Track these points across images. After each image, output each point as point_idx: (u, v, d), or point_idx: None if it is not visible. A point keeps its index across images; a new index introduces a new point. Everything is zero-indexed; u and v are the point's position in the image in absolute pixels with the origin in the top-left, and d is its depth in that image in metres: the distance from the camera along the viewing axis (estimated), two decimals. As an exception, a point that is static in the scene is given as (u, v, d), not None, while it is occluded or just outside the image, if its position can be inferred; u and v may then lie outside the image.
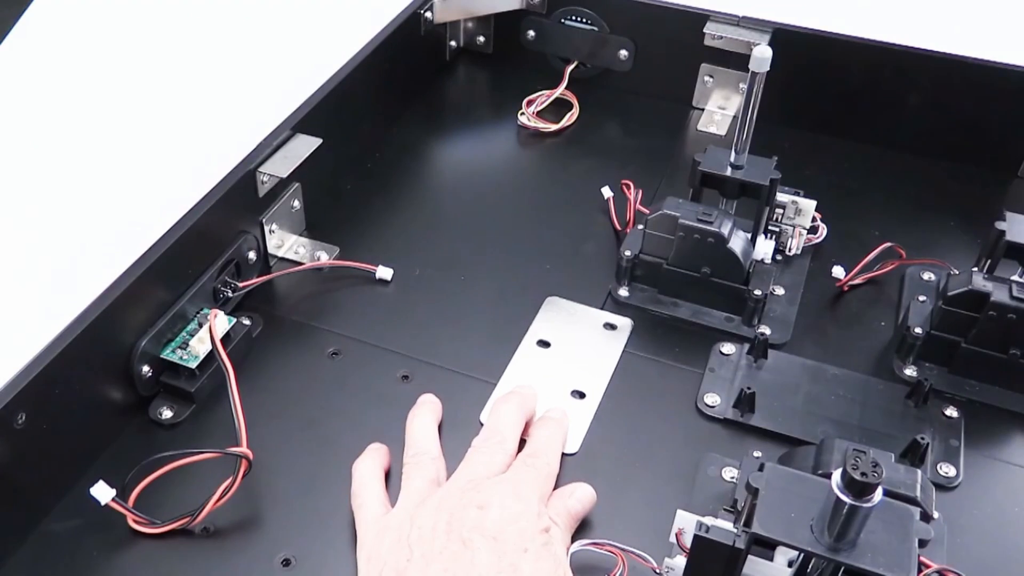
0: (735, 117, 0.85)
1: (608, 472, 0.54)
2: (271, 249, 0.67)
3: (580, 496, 0.51)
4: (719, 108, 0.86)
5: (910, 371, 0.61)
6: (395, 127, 0.83)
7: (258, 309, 0.64)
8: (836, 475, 0.39)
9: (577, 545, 0.48)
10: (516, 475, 0.50)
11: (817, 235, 0.71)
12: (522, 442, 0.54)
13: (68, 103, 0.90)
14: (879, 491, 0.39)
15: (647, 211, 0.66)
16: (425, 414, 0.56)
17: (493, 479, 0.50)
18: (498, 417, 0.55)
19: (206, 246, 0.60)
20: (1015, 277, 0.59)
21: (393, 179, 0.77)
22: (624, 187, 0.74)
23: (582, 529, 0.51)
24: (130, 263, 0.54)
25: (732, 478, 0.54)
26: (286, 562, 0.49)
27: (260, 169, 0.63)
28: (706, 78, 0.86)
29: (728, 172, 0.64)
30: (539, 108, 0.85)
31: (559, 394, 0.59)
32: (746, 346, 0.62)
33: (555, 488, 0.52)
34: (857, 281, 0.68)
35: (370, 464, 0.53)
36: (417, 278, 0.68)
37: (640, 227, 0.65)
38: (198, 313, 0.59)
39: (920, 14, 1.01)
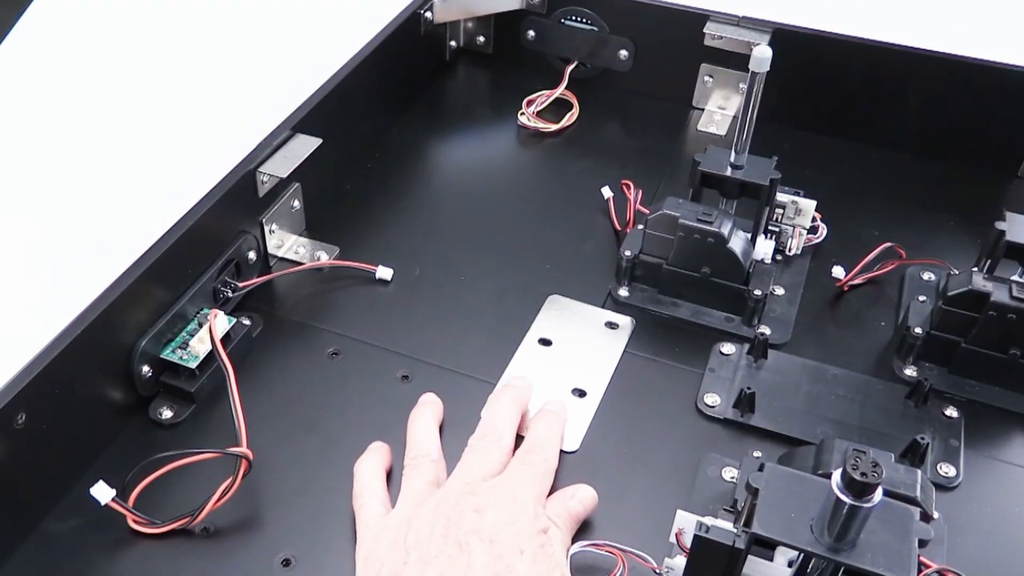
0: (735, 117, 0.85)
1: (608, 472, 0.54)
2: (271, 249, 0.67)
3: (581, 497, 0.51)
4: (719, 108, 0.86)
5: (910, 371, 0.61)
6: (395, 127, 0.83)
7: (258, 309, 0.64)
8: (836, 475, 0.39)
9: (577, 546, 0.48)
10: (513, 476, 0.50)
11: (817, 235, 0.71)
12: (522, 436, 0.54)
13: (68, 103, 0.90)
14: (879, 491, 0.39)
15: (647, 211, 0.66)
16: (426, 415, 0.56)
17: (490, 481, 0.49)
18: (493, 413, 0.54)
19: (206, 246, 0.60)
20: (1015, 277, 0.59)
21: (393, 179, 0.77)
22: (624, 187, 0.74)
23: (582, 529, 0.51)
24: (130, 263, 0.54)
25: (732, 478, 0.54)
26: (286, 562, 0.49)
27: (260, 169, 0.63)
28: (706, 78, 0.86)
29: (728, 172, 0.64)
30: (539, 108, 0.85)
31: (560, 392, 0.59)
32: (746, 346, 0.62)
33: (555, 484, 0.52)
34: (857, 281, 0.68)
35: (372, 464, 0.53)
36: (417, 278, 0.68)
37: (640, 227, 0.65)
38: (198, 313, 0.59)
39: (920, 14, 1.01)
